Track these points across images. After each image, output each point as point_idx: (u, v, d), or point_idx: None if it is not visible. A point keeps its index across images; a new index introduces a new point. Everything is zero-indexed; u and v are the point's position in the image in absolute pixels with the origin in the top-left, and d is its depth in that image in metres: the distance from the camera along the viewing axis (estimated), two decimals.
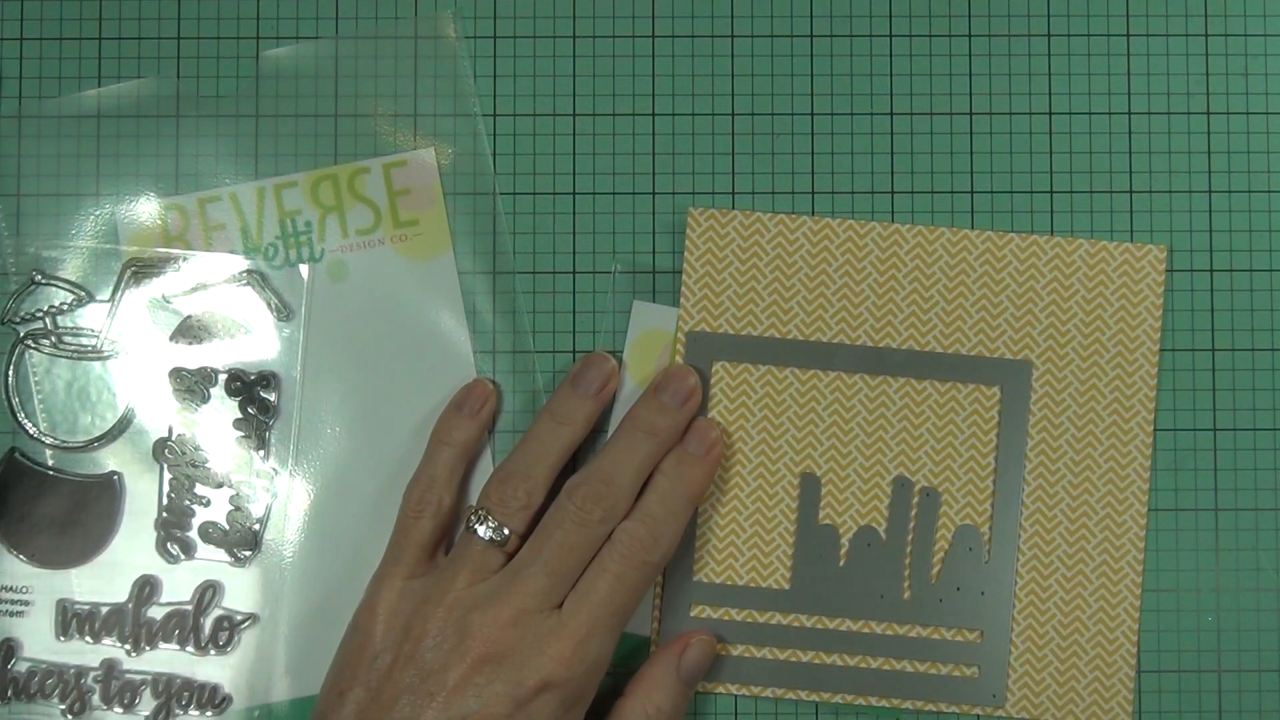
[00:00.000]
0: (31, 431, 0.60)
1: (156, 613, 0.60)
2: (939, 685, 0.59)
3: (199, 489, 0.60)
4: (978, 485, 0.60)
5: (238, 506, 0.60)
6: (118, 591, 0.60)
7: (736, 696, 0.60)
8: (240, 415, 0.60)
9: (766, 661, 0.59)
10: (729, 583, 0.60)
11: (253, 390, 0.60)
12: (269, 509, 0.60)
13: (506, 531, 0.55)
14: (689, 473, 0.56)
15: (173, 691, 0.59)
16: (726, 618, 0.60)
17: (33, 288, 0.60)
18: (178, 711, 0.59)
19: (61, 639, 0.60)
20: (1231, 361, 0.61)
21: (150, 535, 0.60)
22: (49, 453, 0.60)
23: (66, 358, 0.60)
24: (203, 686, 0.59)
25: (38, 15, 0.62)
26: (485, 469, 0.60)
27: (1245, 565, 0.60)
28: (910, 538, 0.60)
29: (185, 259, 0.61)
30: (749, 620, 0.60)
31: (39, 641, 0.60)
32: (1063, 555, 0.59)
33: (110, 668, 0.60)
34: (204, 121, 0.61)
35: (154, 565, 0.60)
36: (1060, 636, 0.59)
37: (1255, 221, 0.61)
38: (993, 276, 0.60)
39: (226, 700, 0.59)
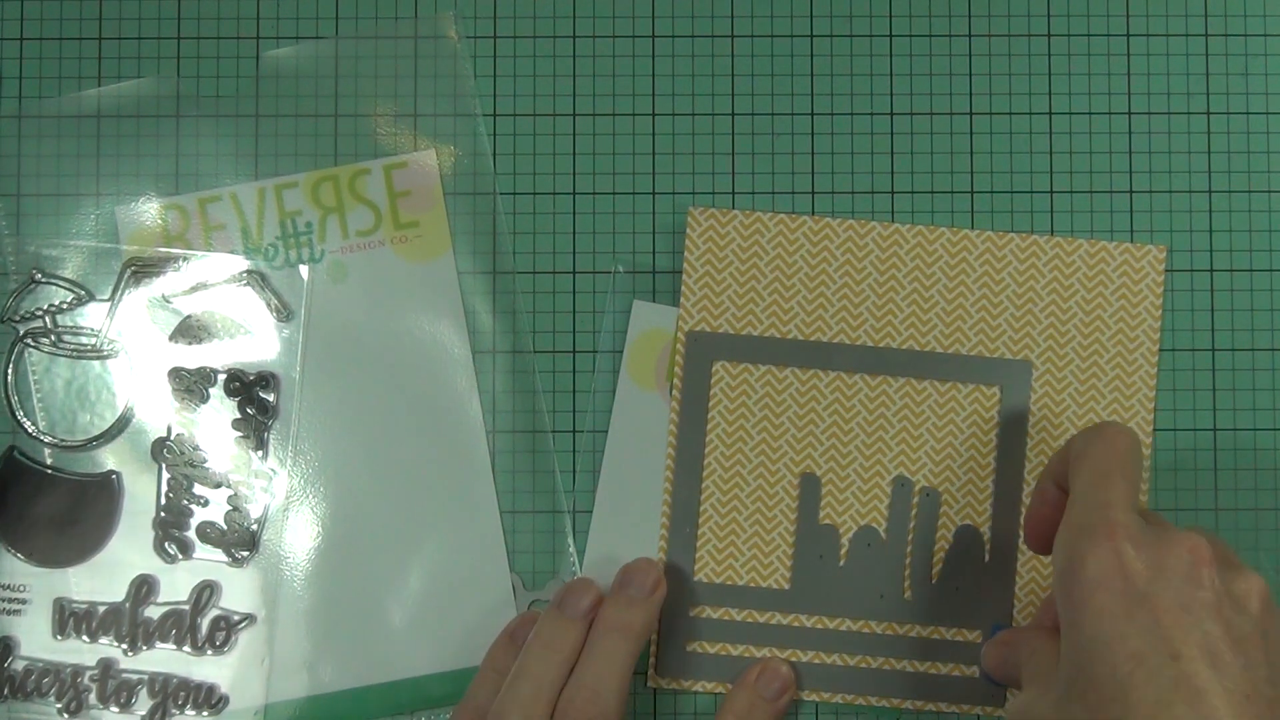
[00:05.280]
0: (30, 430, 0.60)
1: (154, 612, 0.60)
2: (939, 685, 0.59)
3: (197, 489, 0.60)
4: (978, 485, 0.60)
5: (236, 507, 0.60)
6: (115, 591, 0.60)
7: None
8: (239, 415, 0.60)
9: None
10: (729, 583, 0.59)
11: (252, 390, 0.60)
12: (267, 509, 0.60)
13: None
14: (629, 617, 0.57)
15: (169, 691, 0.59)
16: (726, 618, 0.59)
17: (33, 286, 0.60)
18: (174, 711, 0.59)
19: (59, 638, 0.59)
20: (1231, 361, 0.60)
21: (148, 535, 0.60)
22: (48, 451, 0.60)
23: (66, 357, 0.60)
24: (199, 686, 0.59)
25: (38, 15, 0.62)
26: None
27: (1245, 565, 0.60)
28: (910, 538, 0.59)
29: (185, 259, 0.61)
30: (749, 620, 0.59)
31: (36, 640, 0.59)
32: None
33: (107, 667, 0.59)
34: (204, 121, 0.61)
35: (152, 565, 0.60)
36: None
37: (1255, 221, 0.61)
38: (993, 276, 0.60)
39: (223, 700, 0.59)
